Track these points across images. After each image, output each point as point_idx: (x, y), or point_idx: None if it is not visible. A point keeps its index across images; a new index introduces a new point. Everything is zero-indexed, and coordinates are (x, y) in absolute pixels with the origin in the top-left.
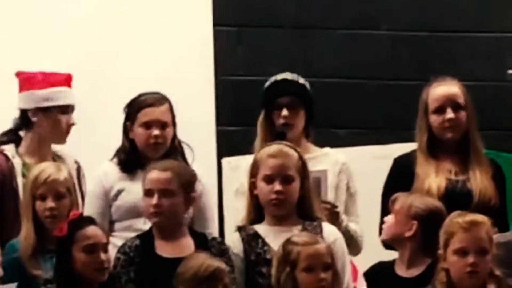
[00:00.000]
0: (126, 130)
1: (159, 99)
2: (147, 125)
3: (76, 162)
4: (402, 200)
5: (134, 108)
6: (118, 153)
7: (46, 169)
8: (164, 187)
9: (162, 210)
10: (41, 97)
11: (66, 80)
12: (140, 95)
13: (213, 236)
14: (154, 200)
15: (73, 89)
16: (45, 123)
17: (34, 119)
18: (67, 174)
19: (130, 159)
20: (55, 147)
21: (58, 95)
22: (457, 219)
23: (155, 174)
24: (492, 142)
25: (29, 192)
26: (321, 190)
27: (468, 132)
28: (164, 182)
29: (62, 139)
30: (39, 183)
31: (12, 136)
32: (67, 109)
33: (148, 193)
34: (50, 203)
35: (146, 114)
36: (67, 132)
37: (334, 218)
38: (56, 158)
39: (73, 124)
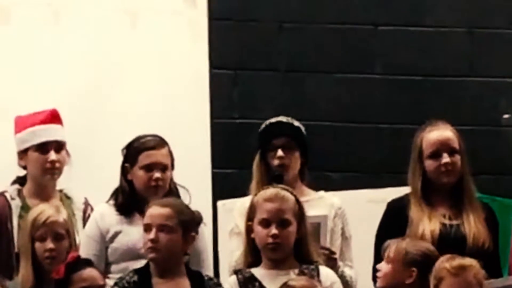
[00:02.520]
0: (125, 172)
1: (160, 142)
2: (148, 168)
3: (85, 203)
4: (395, 247)
5: (134, 150)
6: (115, 194)
7: (45, 210)
8: (162, 222)
9: (159, 246)
10: (19, 140)
11: (47, 118)
12: (139, 138)
13: (209, 276)
14: (152, 234)
15: (58, 124)
16: (28, 165)
17: (20, 162)
18: (66, 215)
19: (128, 202)
20: (65, 187)
21: (34, 135)
22: (445, 264)
23: (155, 210)
24: (487, 187)
25: (28, 233)
26: (321, 235)
27: (462, 176)
28: (162, 217)
29: (46, 178)
30: (39, 225)
31: (20, 179)
32: (45, 146)
33: (146, 228)
34: (49, 244)
35: (148, 157)
36: (52, 168)
37: (331, 264)
38: (64, 198)
39: (55, 161)
